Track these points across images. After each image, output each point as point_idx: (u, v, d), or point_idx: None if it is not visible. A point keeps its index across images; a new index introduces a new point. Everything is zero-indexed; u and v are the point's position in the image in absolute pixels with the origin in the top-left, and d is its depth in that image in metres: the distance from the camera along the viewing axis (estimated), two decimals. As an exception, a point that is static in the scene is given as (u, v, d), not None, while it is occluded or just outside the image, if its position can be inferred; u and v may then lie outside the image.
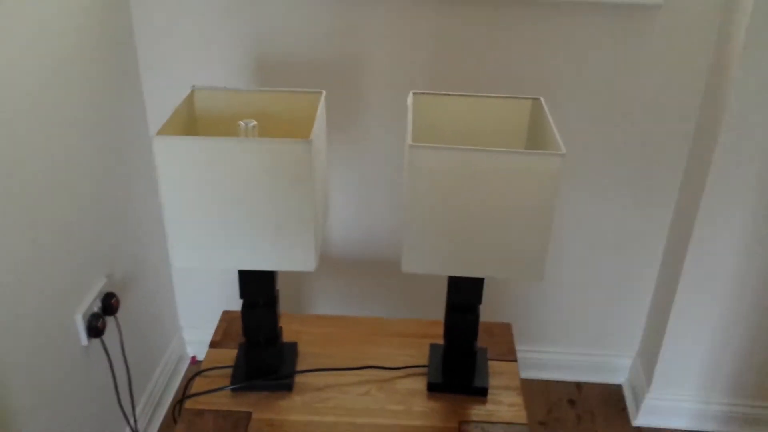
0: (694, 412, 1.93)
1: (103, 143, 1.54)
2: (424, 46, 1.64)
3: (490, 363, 1.36)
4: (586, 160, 1.76)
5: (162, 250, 1.91)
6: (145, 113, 1.76)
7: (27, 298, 1.28)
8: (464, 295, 1.21)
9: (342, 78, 1.69)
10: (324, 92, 1.19)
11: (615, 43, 1.61)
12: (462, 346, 1.26)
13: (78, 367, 1.48)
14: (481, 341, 1.40)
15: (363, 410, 1.25)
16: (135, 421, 1.74)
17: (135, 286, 1.75)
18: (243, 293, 1.22)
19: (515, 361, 1.37)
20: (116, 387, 1.61)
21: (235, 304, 2.00)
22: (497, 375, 1.33)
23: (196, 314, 2.09)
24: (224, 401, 1.26)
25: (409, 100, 1.20)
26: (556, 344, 2.06)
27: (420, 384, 1.31)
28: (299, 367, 1.34)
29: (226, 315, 1.49)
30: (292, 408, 1.25)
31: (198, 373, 1.32)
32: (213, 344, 1.40)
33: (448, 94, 1.23)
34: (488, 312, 2.00)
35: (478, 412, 1.25)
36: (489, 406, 1.26)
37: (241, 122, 1.13)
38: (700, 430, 1.95)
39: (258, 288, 1.21)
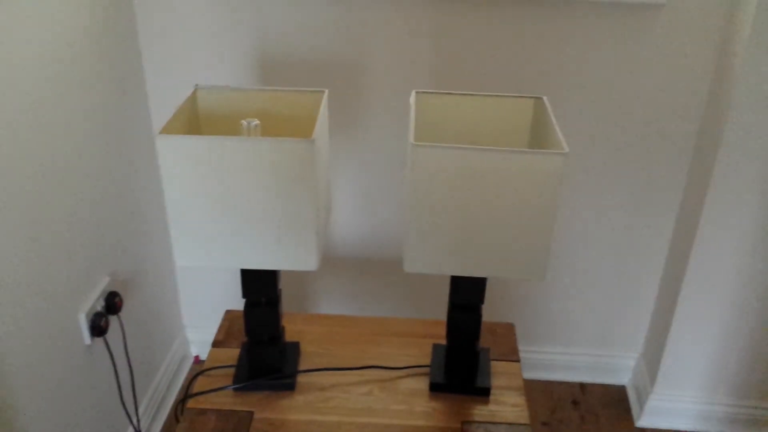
0: (698, 413, 1.92)
1: (107, 142, 1.54)
2: (428, 46, 1.64)
3: (492, 363, 1.35)
4: (589, 160, 1.75)
5: (166, 250, 1.91)
6: (149, 112, 1.76)
7: (30, 297, 1.28)
8: (466, 295, 1.21)
9: (345, 77, 1.69)
10: (326, 91, 1.19)
11: (618, 42, 1.61)
12: (464, 346, 1.26)
13: (81, 366, 1.48)
14: (484, 341, 1.40)
15: (365, 410, 1.25)
16: (138, 420, 1.74)
17: (138, 285, 1.75)
18: (245, 292, 1.22)
19: (518, 361, 1.37)
20: (119, 386, 1.61)
21: (239, 303, 2.00)
22: (500, 375, 1.33)
23: (200, 314, 2.09)
24: (226, 401, 1.26)
25: (412, 99, 1.20)
26: (560, 345, 2.05)
27: (422, 384, 1.30)
28: (301, 366, 1.33)
29: (229, 314, 1.49)
30: (294, 407, 1.25)
31: (200, 373, 1.32)
32: (215, 343, 1.40)
33: (451, 93, 1.23)
34: (492, 312, 2.00)
35: (480, 412, 1.25)
36: (491, 407, 1.26)
37: (244, 121, 1.13)
38: (703, 431, 1.94)
39: (260, 287, 1.21)
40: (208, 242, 1.08)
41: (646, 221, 1.83)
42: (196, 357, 2.16)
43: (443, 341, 1.39)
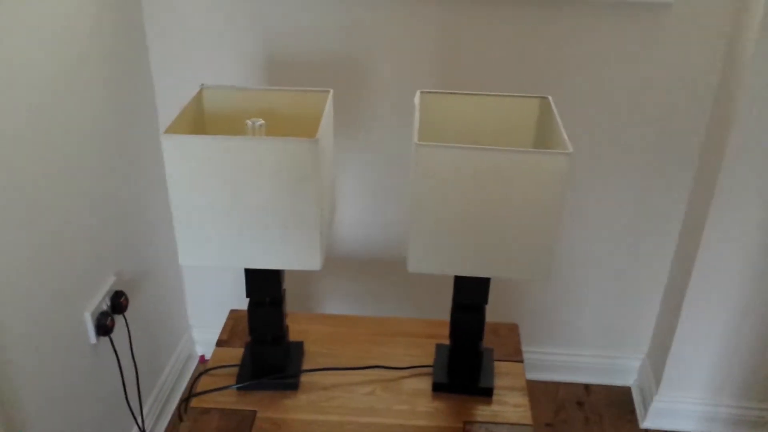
0: (703, 414, 1.92)
1: (114, 142, 1.55)
2: (433, 46, 1.64)
3: (496, 363, 1.35)
4: (596, 160, 1.75)
5: (172, 249, 1.92)
6: (156, 112, 1.77)
7: (36, 296, 1.29)
8: (470, 295, 1.21)
9: (350, 77, 1.69)
10: (331, 91, 1.20)
11: (625, 42, 1.60)
12: (467, 347, 1.26)
13: (86, 365, 1.48)
14: (488, 341, 1.40)
15: (368, 410, 1.25)
16: (143, 419, 1.75)
17: (144, 284, 1.76)
18: (249, 292, 1.22)
19: (521, 361, 1.37)
20: (124, 385, 1.62)
21: (245, 303, 2.01)
22: (503, 375, 1.33)
23: (206, 313, 2.10)
24: (230, 400, 1.26)
25: (417, 98, 1.20)
26: (565, 346, 2.05)
27: (425, 384, 1.31)
28: (305, 366, 1.34)
29: (233, 314, 1.49)
30: (298, 407, 1.25)
31: (204, 372, 1.32)
32: (220, 343, 1.40)
33: (456, 93, 1.23)
34: (496, 313, 2.00)
35: (483, 412, 1.25)
36: (494, 407, 1.26)
37: (249, 121, 1.13)
38: (708, 433, 1.94)
39: (264, 287, 1.22)
40: (212, 242, 1.09)
41: (651, 223, 1.82)
42: (202, 356, 2.17)
43: (446, 341, 1.39)
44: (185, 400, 1.28)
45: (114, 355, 1.58)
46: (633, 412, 2.00)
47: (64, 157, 1.35)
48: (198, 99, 1.20)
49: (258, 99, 1.21)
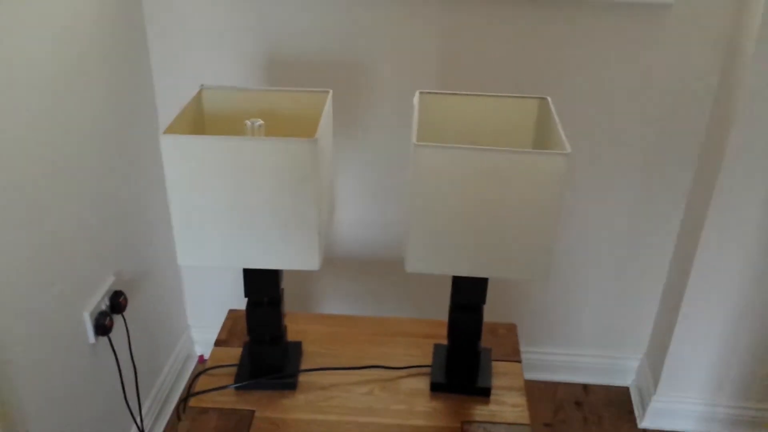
0: (701, 414, 1.92)
1: (113, 142, 1.55)
2: (432, 46, 1.64)
3: (494, 363, 1.35)
4: (595, 160, 1.76)
5: (171, 249, 1.92)
6: (156, 112, 1.77)
7: (35, 296, 1.29)
8: (468, 295, 1.21)
9: (349, 77, 1.70)
10: (331, 92, 1.20)
11: (625, 43, 1.61)
12: (465, 346, 1.26)
13: (85, 365, 1.49)
14: (486, 341, 1.40)
15: (366, 409, 1.25)
16: (141, 419, 1.75)
17: (143, 284, 1.76)
18: (248, 292, 1.23)
19: (519, 361, 1.37)
20: (123, 385, 1.62)
21: (244, 303, 2.00)
22: (501, 375, 1.33)
23: (205, 313, 2.10)
24: (228, 399, 1.27)
25: (416, 99, 1.20)
26: (563, 346, 2.05)
27: (423, 384, 1.31)
28: (303, 366, 1.34)
29: (232, 314, 1.50)
30: (296, 407, 1.26)
31: (202, 372, 1.32)
32: (218, 343, 1.41)
33: (455, 94, 1.23)
34: (495, 313, 2.00)
35: (480, 412, 1.25)
36: (492, 407, 1.26)
37: (248, 121, 1.13)
38: (706, 433, 1.95)
39: (263, 287, 1.22)
40: (210, 242, 1.09)
41: (650, 223, 1.83)
42: (201, 356, 2.17)
43: (445, 341, 1.39)
44: (183, 399, 1.28)
45: (113, 354, 1.58)
46: (631, 412, 2.00)
47: (63, 157, 1.35)
48: (197, 99, 1.20)
49: (257, 99, 1.21)
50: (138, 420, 1.73)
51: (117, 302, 1.56)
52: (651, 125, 1.70)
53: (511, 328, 1.46)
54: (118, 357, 1.59)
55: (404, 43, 1.65)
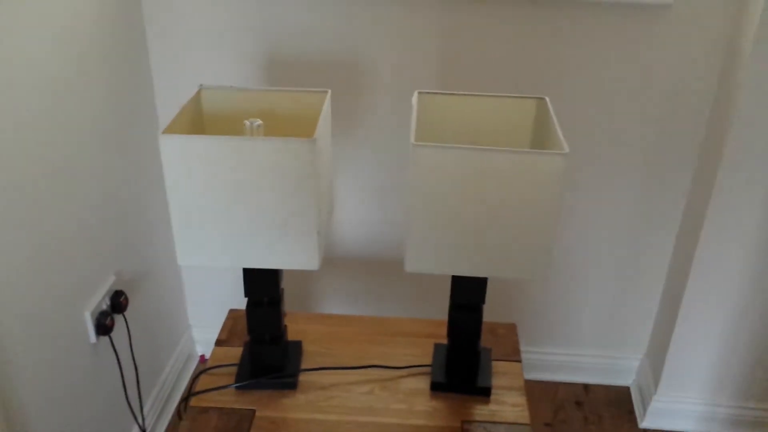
0: (701, 414, 1.92)
1: (114, 141, 1.55)
2: (431, 46, 1.65)
3: (494, 363, 1.36)
4: (595, 160, 1.76)
5: (171, 249, 1.92)
6: (155, 112, 1.77)
7: (36, 296, 1.29)
8: (467, 295, 1.22)
9: (348, 77, 1.70)
10: (329, 92, 1.20)
11: (624, 43, 1.61)
12: (465, 346, 1.27)
13: (86, 365, 1.49)
14: (486, 341, 1.40)
15: (366, 409, 1.26)
16: (143, 418, 1.76)
17: (144, 284, 1.76)
18: (248, 292, 1.23)
19: (519, 361, 1.37)
20: (124, 385, 1.62)
21: (245, 303, 2.01)
22: (501, 375, 1.33)
23: (206, 313, 2.11)
24: (229, 399, 1.27)
25: (414, 99, 1.20)
26: (564, 346, 2.05)
27: (423, 383, 1.31)
28: (304, 365, 1.34)
29: (232, 313, 1.50)
30: (296, 406, 1.26)
31: (203, 371, 1.33)
32: (219, 342, 1.41)
33: (454, 94, 1.23)
34: (496, 313, 2.00)
35: (481, 412, 1.25)
36: (492, 406, 1.27)
37: (247, 121, 1.13)
38: (707, 433, 1.95)
39: (263, 286, 1.22)
40: (210, 242, 1.09)
41: (650, 223, 1.83)
42: (202, 356, 2.17)
43: (445, 341, 1.39)
44: (184, 399, 1.29)
45: (114, 354, 1.58)
46: (632, 412, 2.00)
47: (63, 157, 1.36)
48: (196, 99, 1.20)
49: (256, 99, 1.22)
50: (139, 419, 1.74)
51: (118, 302, 1.56)
52: (651, 125, 1.70)
53: (511, 328, 1.46)
54: (120, 357, 1.60)
55: (404, 43, 1.65)
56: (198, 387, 1.29)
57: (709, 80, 1.63)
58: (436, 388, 1.29)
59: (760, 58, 1.47)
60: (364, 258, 1.94)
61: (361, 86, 1.71)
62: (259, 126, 1.13)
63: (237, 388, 1.29)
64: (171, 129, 1.07)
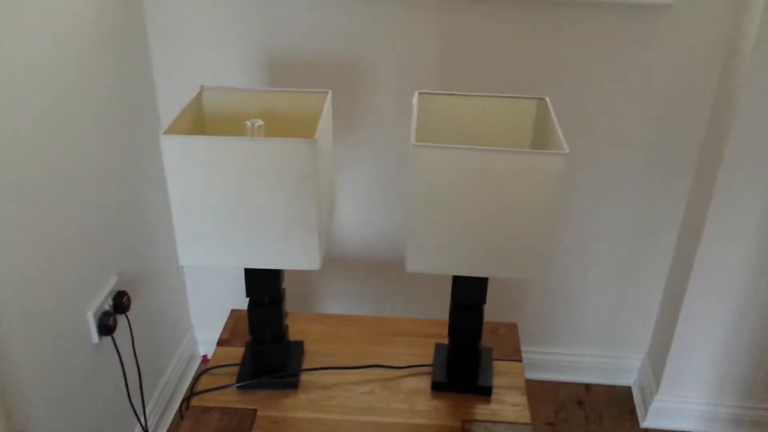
0: (703, 414, 1.92)
1: (116, 142, 1.56)
2: (432, 47, 1.65)
3: (495, 363, 1.36)
4: (596, 160, 1.76)
5: (173, 249, 1.93)
6: (157, 113, 1.78)
7: (38, 296, 1.30)
8: (468, 295, 1.22)
9: (349, 78, 1.70)
10: (330, 92, 1.20)
11: (624, 43, 1.61)
12: (466, 346, 1.27)
13: (89, 365, 1.49)
14: (487, 341, 1.41)
15: (367, 409, 1.26)
16: (145, 419, 1.76)
17: (146, 284, 1.77)
18: (249, 292, 1.23)
19: (520, 361, 1.37)
20: (127, 385, 1.63)
21: (246, 303, 2.01)
22: (502, 375, 1.34)
23: (208, 313, 2.11)
24: (230, 399, 1.27)
25: (414, 99, 1.21)
26: (565, 345, 2.05)
27: (424, 383, 1.31)
28: (305, 365, 1.35)
29: (234, 313, 1.50)
30: (297, 406, 1.26)
31: (205, 371, 1.33)
32: (220, 342, 1.41)
33: (454, 94, 1.24)
34: (498, 313, 2.00)
35: (481, 411, 1.26)
36: (493, 406, 1.27)
37: (248, 122, 1.14)
38: (708, 432, 1.95)
39: (264, 286, 1.23)
40: (211, 242, 1.10)
41: (651, 222, 1.83)
42: (204, 356, 2.18)
43: (446, 341, 1.39)
44: (186, 399, 1.29)
45: (116, 354, 1.59)
46: (633, 411, 2.00)
47: (66, 157, 1.36)
48: (198, 100, 1.21)
49: (257, 100, 1.22)
50: (142, 420, 1.74)
51: (120, 302, 1.57)
52: (651, 125, 1.70)
53: (512, 328, 1.46)
54: (122, 357, 1.60)
55: (404, 44, 1.65)
56: (200, 387, 1.30)
57: (710, 80, 1.64)
58: (437, 387, 1.30)
59: (761, 58, 1.47)
60: (365, 258, 1.94)
61: (361, 86, 1.71)
62: (260, 126, 1.14)
63: (239, 387, 1.29)
64: (172, 129, 1.08)
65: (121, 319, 1.60)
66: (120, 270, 1.61)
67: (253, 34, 1.67)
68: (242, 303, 2.02)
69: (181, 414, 1.29)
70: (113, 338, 1.55)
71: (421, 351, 1.39)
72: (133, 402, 1.70)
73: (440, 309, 1.99)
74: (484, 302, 1.23)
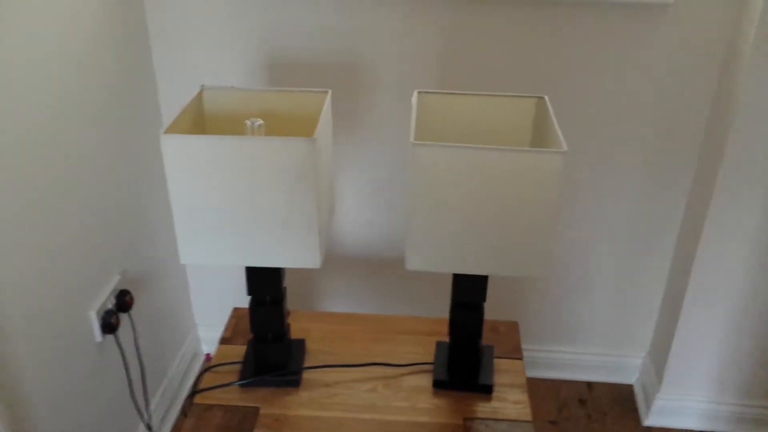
0: (705, 412, 1.92)
1: (118, 141, 1.56)
2: (431, 46, 1.65)
3: (496, 361, 1.36)
4: (596, 160, 1.76)
5: (176, 248, 1.93)
6: (159, 112, 1.78)
7: (41, 295, 1.30)
8: (468, 293, 1.22)
9: (349, 78, 1.71)
10: (330, 92, 1.21)
11: (623, 42, 1.61)
12: (467, 344, 1.27)
13: (92, 364, 1.50)
14: (487, 339, 1.41)
15: (369, 406, 1.26)
16: (149, 417, 1.77)
17: (149, 283, 1.77)
18: (250, 290, 1.24)
19: (521, 359, 1.38)
20: (130, 383, 1.63)
21: (248, 302, 2.02)
22: (503, 373, 1.34)
23: (212, 312, 2.12)
24: (233, 396, 1.28)
25: (414, 98, 1.21)
26: (567, 344, 2.06)
27: (425, 381, 1.32)
28: (307, 363, 1.35)
29: (237, 312, 1.51)
30: (299, 403, 1.27)
31: (208, 369, 1.34)
32: (223, 341, 1.42)
33: (453, 93, 1.24)
34: (500, 311, 2.01)
35: (482, 409, 1.26)
36: (494, 404, 1.27)
37: (248, 121, 1.14)
38: (710, 430, 1.94)
39: (265, 285, 1.23)
40: (212, 240, 1.10)
41: (652, 221, 1.83)
42: (207, 355, 2.18)
43: (447, 339, 1.40)
44: (189, 396, 1.30)
45: (120, 353, 1.59)
46: (635, 409, 2.01)
47: (67, 156, 1.37)
48: (198, 99, 1.21)
49: (257, 99, 1.23)
50: (145, 418, 1.75)
51: (123, 301, 1.58)
52: (650, 125, 1.70)
53: (513, 326, 1.46)
54: (125, 355, 1.61)
55: (404, 43, 1.65)
56: (202, 384, 1.30)
57: (709, 80, 1.63)
58: (438, 385, 1.30)
59: (760, 58, 1.47)
60: (366, 256, 1.95)
61: (361, 86, 1.71)
62: (260, 126, 1.14)
63: (241, 385, 1.30)
64: (172, 129, 1.08)
65: (123, 318, 1.60)
66: (122, 269, 1.62)
67: (254, 34, 1.68)
68: (245, 301, 2.02)
69: (184, 412, 1.30)
70: (116, 337, 1.56)
71: (422, 349, 1.39)
72: (136, 400, 1.70)
73: (441, 307, 1.99)
74: (484, 300, 1.23)
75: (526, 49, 1.64)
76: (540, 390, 2.06)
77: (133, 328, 1.65)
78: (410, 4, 1.61)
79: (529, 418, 1.25)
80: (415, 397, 1.29)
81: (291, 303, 2.02)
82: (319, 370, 1.34)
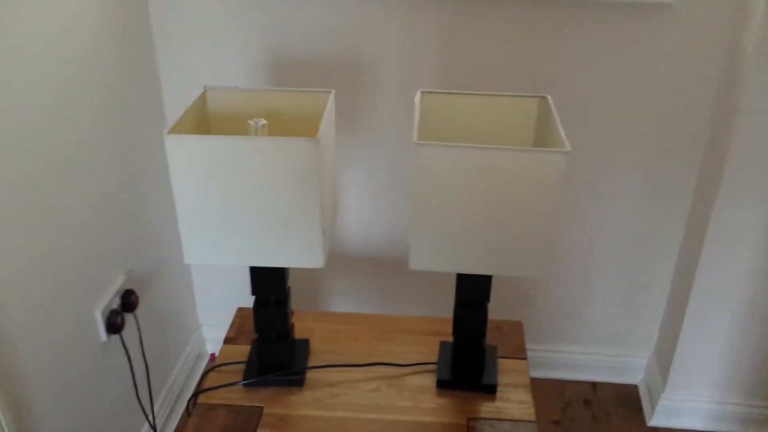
0: (710, 412, 1.92)
1: (122, 142, 1.57)
2: (434, 46, 1.65)
3: (499, 361, 1.36)
4: (599, 160, 1.76)
5: (180, 248, 1.94)
6: (163, 113, 1.79)
7: (46, 295, 1.31)
8: (472, 293, 1.22)
9: (353, 78, 1.71)
10: (333, 92, 1.21)
11: (625, 42, 1.61)
12: (470, 344, 1.27)
13: (97, 364, 1.51)
14: (491, 339, 1.41)
15: (373, 406, 1.27)
16: (153, 416, 1.77)
17: (154, 283, 1.78)
18: (254, 290, 1.24)
19: (525, 359, 1.37)
20: (135, 383, 1.64)
21: (252, 302, 2.02)
22: (507, 372, 1.34)
23: (216, 312, 2.12)
24: (236, 396, 1.28)
25: (417, 98, 1.21)
26: (572, 344, 2.05)
27: (429, 381, 1.32)
28: (311, 363, 1.35)
29: (241, 312, 1.51)
30: (303, 403, 1.27)
31: (212, 369, 1.34)
32: (227, 340, 1.42)
33: (456, 93, 1.24)
34: (504, 311, 2.01)
35: (486, 409, 1.26)
36: (498, 403, 1.27)
37: (251, 121, 1.15)
38: (715, 430, 1.94)
39: (269, 285, 1.23)
40: (216, 240, 1.11)
41: (656, 221, 1.83)
42: (212, 354, 2.19)
43: (451, 338, 1.40)
44: (193, 396, 1.30)
45: (125, 353, 1.60)
46: (640, 410, 2.00)
47: (71, 156, 1.37)
48: (201, 100, 1.22)
49: (261, 100, 1.23)
50: (150, 418, 1.75)
51: (128, 301, 1.58)
52: (652, 125, 1.70)
53: (517, 326, 1.46)
54: (130, 355, 1.61)
55: (406, 43, 1.66)
56: (206, 384, 1.31)
57: (711, 80, 1.63)
58: (442, 385, 1.30)
59: (762, 58, 1.47)
60: (370, 256, 1.95)
61: (363, 86, 1.72)
62: (263, 126, 1.15)
63: (245, 385, 1.30)
64: (176, 129, 1.09)
65: (129, 318, 1.61)
66: (128, 269, 1.62)
67: (257, 35, 1.68)
68: (249, 301, 2.03)
69: (188, 411, 1.30)
70: (121, 336, 1.57)
71: (426, 349, 1.39)
72: (141, 400, 1.71)
73: (445, 307, 2.00)
74: (488, 300, 1.23)
75: (526, 49, 1.64)
76: (544, 390, 2.06)
77: (138, 328, 1.66)
78: (410, 4, 1.61)
79: (532, 418, 1.25)
80: (419, 396, 1.29)
81: (295, 303, 2.03)
82: (322, 369, 1.34)
